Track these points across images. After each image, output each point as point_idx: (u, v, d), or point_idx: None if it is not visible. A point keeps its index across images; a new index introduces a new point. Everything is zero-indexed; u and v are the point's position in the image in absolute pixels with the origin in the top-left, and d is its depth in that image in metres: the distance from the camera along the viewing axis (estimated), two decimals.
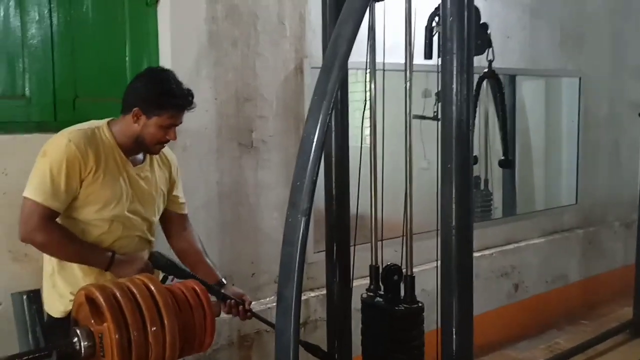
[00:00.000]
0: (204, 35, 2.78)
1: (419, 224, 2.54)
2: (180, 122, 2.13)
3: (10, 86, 2.37)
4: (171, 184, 2.32)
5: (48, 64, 2.43)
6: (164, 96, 2.05)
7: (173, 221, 2.36)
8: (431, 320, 2.21)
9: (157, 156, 2.25)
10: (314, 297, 3.24)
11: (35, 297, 1.56)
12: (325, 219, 2.63)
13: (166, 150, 2.28)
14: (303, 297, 3.23)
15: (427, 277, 2.59)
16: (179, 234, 2.36)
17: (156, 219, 2.27)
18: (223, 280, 2.29)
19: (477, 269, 4.00)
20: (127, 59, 2.64)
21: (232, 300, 2.17)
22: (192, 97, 2.11)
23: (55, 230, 2.01)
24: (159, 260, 2.08)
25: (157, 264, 2.09)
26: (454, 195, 1.96)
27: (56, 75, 2.45)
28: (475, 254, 4.00)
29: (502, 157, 3.02)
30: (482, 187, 4.56)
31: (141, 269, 2.05)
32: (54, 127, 2.42)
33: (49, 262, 2.13)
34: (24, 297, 1.54)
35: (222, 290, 2.21)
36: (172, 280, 2.08)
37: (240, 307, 2.18)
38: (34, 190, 1.98)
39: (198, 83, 2.71)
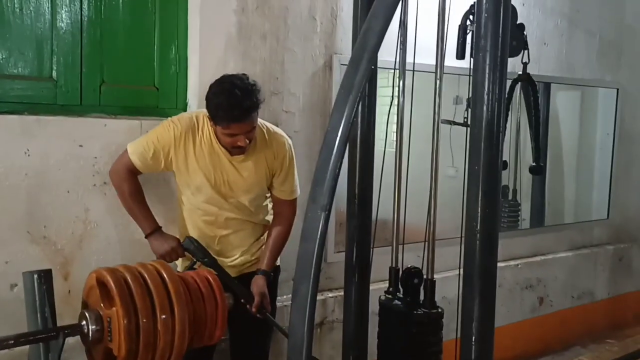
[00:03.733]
0: (233, 26, 2.75)
1: (443, 231, 2.47)
2: (249, 130, 2.20)
3: (38, 68, 2.37)
4: (274, 170, 2.40)
5: (76, 48, 2.42)
6: (216, 109, 2.16)
7: (274, 203, 2.49)
8: (450, 329, 2.14)
9: (264, 144, 2.35)
10: (332, 297, 3.18)
11: (46, 277, 1.54)
12: (346, 219, 2.58)
13: (278, 138, 2.41)
14: (321, 297, 3.17)
15: (449, 285, 2.52)
16: (275, 216, 2.50)
17: (251, 203, 2.40)
18: (259, 272, 2.38)
19: (501, 279, 3.95)
20: (155, 47, 2.62)
21: (242, 300, 2.27)
22: (249, 109, 2.15)
23: (127, 181, 2.29)
24: (189, 245, 2.29)
25: (187, 248, 2.29)
26: (480, 198, 1.90)
27: (84, 60, 2.45)
28: (500, 264, 3.91)
29: (533, 164, 2.90)
30: (510, 197, 4.45)
31: (171, 248, 2.28)
32: (79, 110, 2.44)
33: None
34: (35, 276, 1.52)
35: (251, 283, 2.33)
36: (198, 267, 2.27)
37: (248, 306, 2.29)
38: (133, 144, 2.29)
39: (224, 73, 2.69)
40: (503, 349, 3.93)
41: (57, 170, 2.34)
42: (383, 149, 2.73)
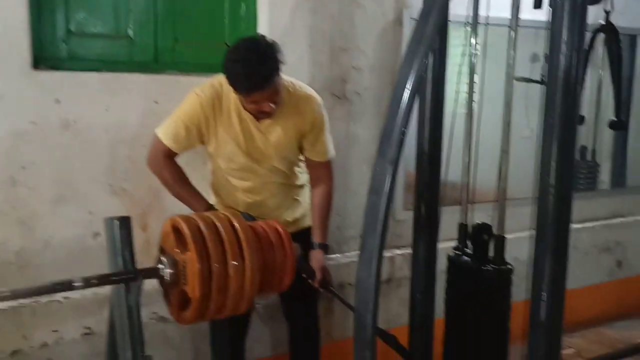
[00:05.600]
0: None
1: (517, 192, 2.40)
2: (272, 94, 2.11)
3: (115, 27, 2.46)
4: (304, 132, 2.31)
5: (150, 6, 2.50)
6: (234, 80, 2.07)
7: (308, 166, 2.43)
8: (521, 290, 2.09)
9: (292, 104, 2.25)
10: (400, 255, 3.19)
11: (125, 222, 1.62)
12: (415, 175, 2.56)
13: (306, 97, 2.30)
14: (389, 254, 3.19)
15: (521, 245, 2.46)
16: (313, 182, 2.45)
17: (285, 166, 2.35)
18: (316, 245, 2.36)
19: (577, 241, 3.82)
20: (225, 4, 2.66)
21: (304, 275, 2.27)
22: (268, 76, 2.05)
23: (167, 167, 2.25)
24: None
25: None
26: (554, 152, 1.83)
27: (158, 18, 2.52)
28: (577, 226, 3.79)
29: (614, 119, 2.76)
30: (588, 157, 4.26)
31: None
32: (154, 68, 2.52)
33: None
34: (115, 221, 1.61)
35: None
36: None
37: (310, 281, 2.30)
38: (162, 128, 2.23)
39: (293, 30, 2.69)
40: (578, 311, 3.82)
41: (134, 126, 2.44)
42: (454, 107, 2.66)
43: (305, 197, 2.49)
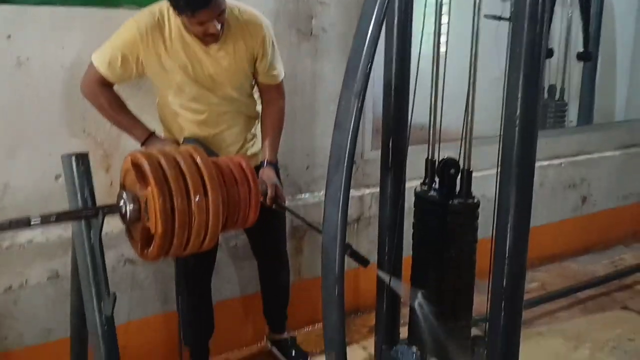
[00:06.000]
0: None
1: (487, 131, 2.39)
2: (218, 14, 2.03)
3: None
4: (255, 55, 2.26)
5: None
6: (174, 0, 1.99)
7: (261, 90, 2.39)
8: (488, 228, 2.10)
9: (239, 28, 2.19)
10: (369, 194, 3.20)
11: (83, 159, 1.57)
12: (382, 111, 2.53)
13: (253, 19, 2.24)
14: (358, 194, 3.20)
15: (489, 182, 2.47)
16: (264, 104, 2.40)
17: (239, 93, 2.29)
18: (265, 163, 2.31)
19: (543, 178, 3.88)
20: None
21: None
22: None
23: (102, 95, 2.17)
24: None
25: None
26: (520, 88, 1.82)
27: None
28: (543, 163, 3.85)
29: (582, 50, 2.74)
30: (557, 96, 4.29)
31: None
32: (112, 1, 2.40)
33: None
34: (73, 158, 1.56)
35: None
36: None
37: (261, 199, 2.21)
38: (97, 54, 2.14)
39: None
40: (543, 247, 3.93)
41: None
42: (420, 40, 2.61)
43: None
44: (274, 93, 2.39)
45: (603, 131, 4.29)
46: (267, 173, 2.28)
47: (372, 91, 2.86)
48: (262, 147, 2.38)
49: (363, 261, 2.30)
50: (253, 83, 2.37)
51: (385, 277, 2.39)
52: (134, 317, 2.60)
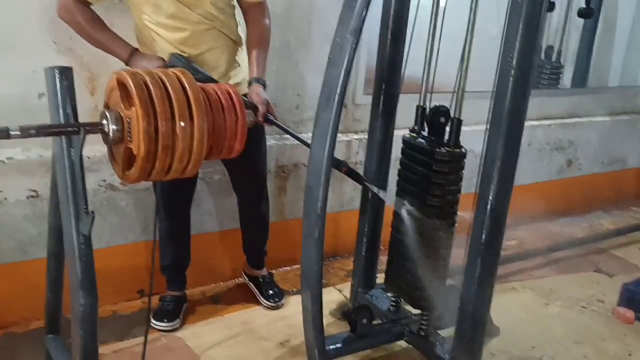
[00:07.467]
0: None
1: (482, 85, 2.35)
2: None
3: None
4: None
5: None
6: None
7: (243, 10, 2.35)
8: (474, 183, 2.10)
9: None
10: (357, 139, 3.18)
11: (67, 73, 1.53)
12: (377, 52, 2.48)
13: None
14: (346, 138, 3.17)
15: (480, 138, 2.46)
16: (248, 24, 2.35)
17: (219, 10, 2.21)
18: (254, 81, 2.26)
19: (531, 138, 3.87)
20: None
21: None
22: None
23: (79, 13, 2.09)
24: (177, 62, 2.12)
25: (173, 65, 2.08)
26: (520, 29, 1.79)
27: None
28: (533, 122, 3.84)
29: (584, 6, 2.70)
30: (553, 58, 4.25)
31: (157, 67, 2.07)
32: None
33: None
34: (56, 71, 1.51)
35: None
36: None
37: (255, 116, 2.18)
38: None
39: None
40: (525, 206, 3.94)
41: None
42: None
43: (245, 61, 2.38)
44: (257, 10, 2.33)
45: (595, 95, 4.28)
46: (255, 90, 2.22)
47: (368, 37, 2.80)
48: (248, 63, 2.31)
49: (358, 178, 2.37)
50: (233, 3, 2.29)
51: (374, 188, 2.43)
52: (113, 243, 2.60)
